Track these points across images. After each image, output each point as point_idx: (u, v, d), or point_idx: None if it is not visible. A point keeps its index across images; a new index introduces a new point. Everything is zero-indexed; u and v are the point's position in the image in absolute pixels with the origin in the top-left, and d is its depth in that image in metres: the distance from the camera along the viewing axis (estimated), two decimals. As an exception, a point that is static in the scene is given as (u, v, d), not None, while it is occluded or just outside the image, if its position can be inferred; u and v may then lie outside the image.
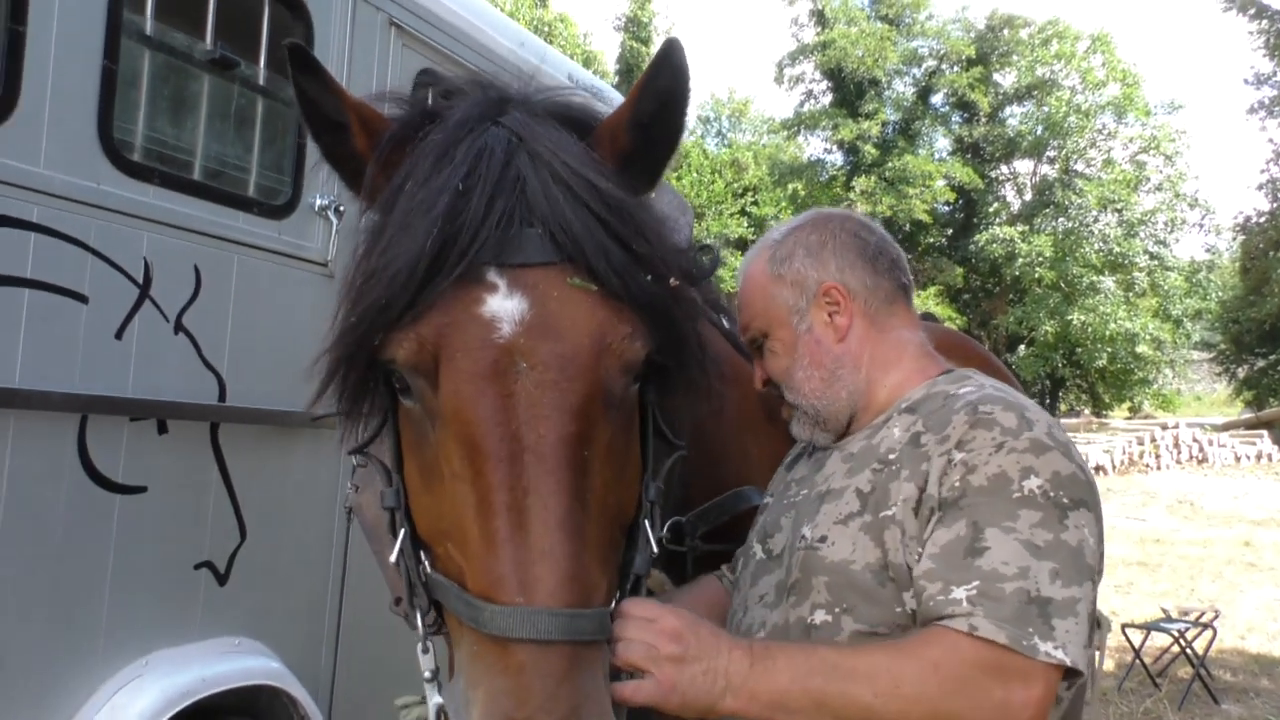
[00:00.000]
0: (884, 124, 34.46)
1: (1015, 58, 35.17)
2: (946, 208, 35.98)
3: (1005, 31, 35.21)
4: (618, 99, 4.72)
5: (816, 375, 1.55)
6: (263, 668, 2.75)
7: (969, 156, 35.21)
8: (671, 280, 1.26)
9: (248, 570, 2.77)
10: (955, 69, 34.88)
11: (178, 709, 2.45)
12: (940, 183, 33.34)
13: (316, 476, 2.95)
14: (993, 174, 36.17)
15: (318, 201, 2.94)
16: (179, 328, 2.57)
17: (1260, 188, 31.50)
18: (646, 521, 1.27)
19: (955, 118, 36.17)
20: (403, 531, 1.25)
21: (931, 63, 35.77)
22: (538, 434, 1.13)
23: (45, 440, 2.27)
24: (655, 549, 1.26)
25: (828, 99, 35.75)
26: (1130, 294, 32.19)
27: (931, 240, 35.41)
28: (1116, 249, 31.97)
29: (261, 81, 2.89)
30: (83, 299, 2.33)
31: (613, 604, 1.18)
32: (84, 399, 2.32)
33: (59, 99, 2.26)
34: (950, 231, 36.31)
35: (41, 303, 2.25)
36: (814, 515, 1.47)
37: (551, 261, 1.19)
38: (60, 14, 2.25)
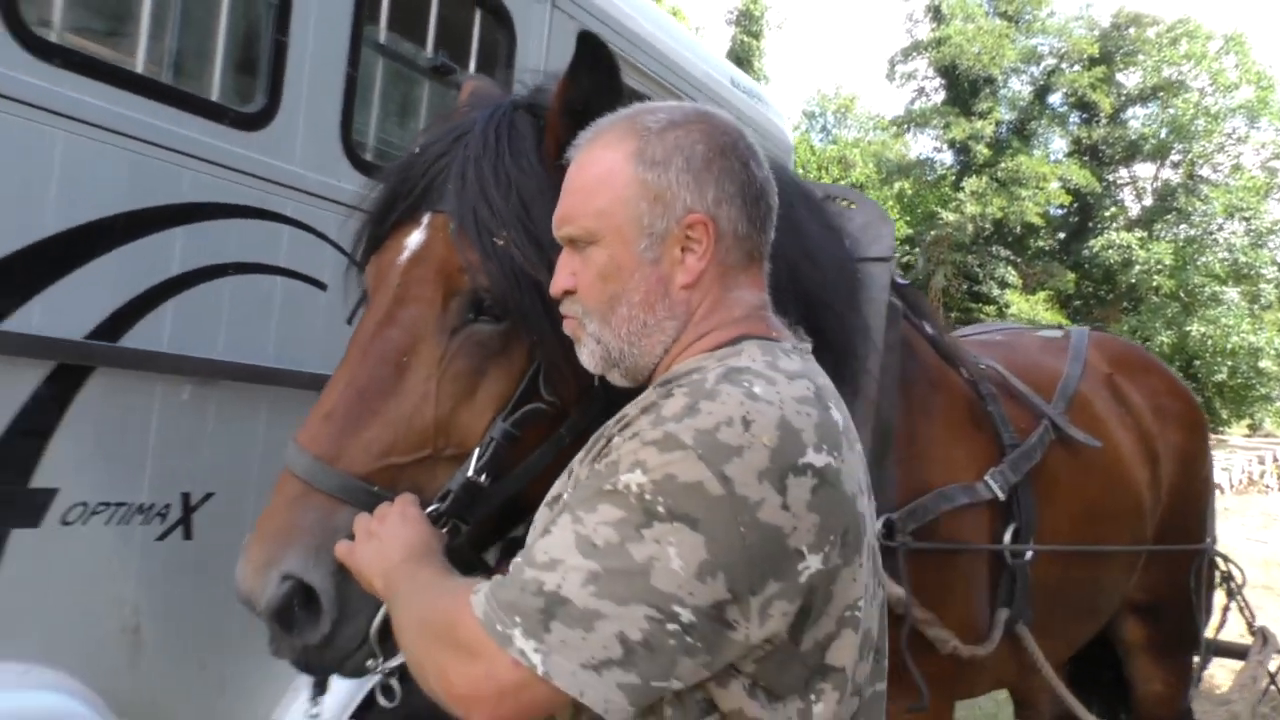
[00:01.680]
0: (998, 123, 33.60)
1: (1141, 57, 33.83)
2: (1060, 210, 34.94)
3: (1131, 30, 33.90)
4: (771, 102, 4.81)
5: (640, 318, 1.26)
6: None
7: (1086, 159, 34.07)
8: (501, 239, 1.50)
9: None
10: (1076, 68, 33.76)
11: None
12: (1055, 185, 32.37)
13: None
14: (1111, 177, 34.93)
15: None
16: (397, 315, 2.77)
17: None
18: (478, 449, 1.49)
19: (1073, 118, 35.03)
20: None
21: (1051, 61, 34.69)
22: (370, 329, 1.54)
23: (294, 418, 2.49)
24: (471, 474, 1.47)
25: (940, 96, 35.04)
26: (1255, 306, 30.77)
27: (1042, 244, 34.45)
28: (1242, 259, 30.57)
29: (471, 86, 3.09)
30: (322, 286, 2.55)
31: (399, 493, 1.45)
32: (324, 379, 2.54)
33: (311, 104, 2.47)
34: (1062, 235, 35.25)
35: (291, 289, 2.47)
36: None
37: (446, 210, 1.55)
38: (315, 26, 2.46)
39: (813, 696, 1.13)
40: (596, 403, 1.53)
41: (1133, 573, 2.93)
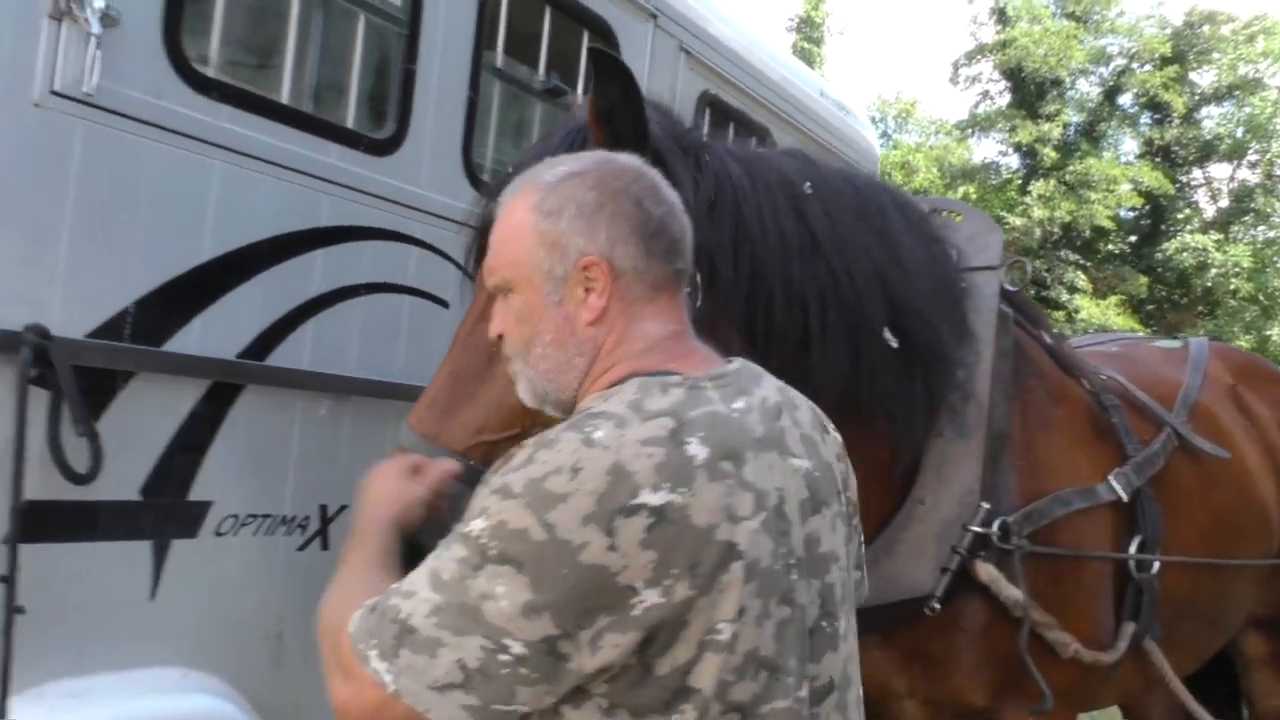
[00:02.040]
0: (1065, 125, 32.89)
1: (1215, 55, 32.90)
2: (1131, 213, 34.09)
3: (1205, 28, 32.98)
4: (860, 114, 4.82)
5: (553, 356, 1.37)
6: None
7: (1158, 160, 33.18)
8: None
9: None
10: (1147, 68, 32.91)
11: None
12: (1125, 187, 31.59)
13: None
14: (1185, 179, 33.99)
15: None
16: (512, 331, 2.85)
17: None
18: None
19: (1145, 119, 34.17)
20: None
21: (1121, 61, 33.88)
22: (467, 325, 1.75)
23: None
24: None
25: (1005, 99, 34.46)
26: (1338, 310, 29.69)
27: (1112, 247, 33.62)
28: (1325, 261, 29.54)
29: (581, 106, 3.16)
30: (445, 305, 2.63)
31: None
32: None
33: (437, 129, 2.56)
34: (1134, 239, 34.39)
35: (418, 308, 2.56)
36: None
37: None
38: (441, 54, 2.55)
39: (676, 716, 1.21)
40: None
41: (1259, 587, 2.88)
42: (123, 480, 1.97)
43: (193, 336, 2.07)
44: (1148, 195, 32.24)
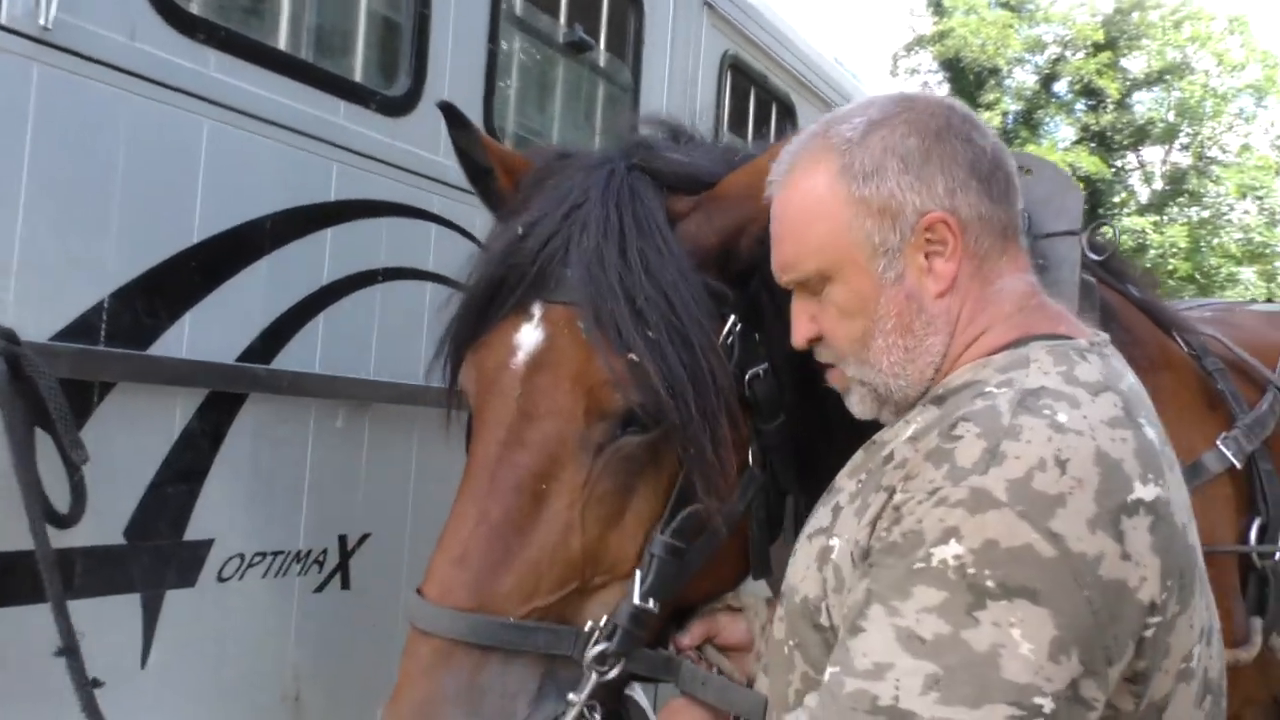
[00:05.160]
0: (1005, 114, 33.43)
1: (1145, 41, 33.73)
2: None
3: (1135, 15, 33.80)
4: (867, 83, 4.53)
5: (900, 345, 1.13)
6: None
7: (1095, 145, 33.89)
8: (649, 340, 1.25)
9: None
10: (1081, 55, 33.64)
11: None
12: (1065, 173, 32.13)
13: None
14: (1120, 163, 34.76)
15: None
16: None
17: None
18: (639, 573, 1.27)
19: (1080, 105, 34.86)
20: None
21: (1055, 49, 34.56)
22: (493, 451, 1.28)
23: (430, 443, 2.20)
24: (637, 600, 1.26)
25: (944, 90, 34.84)
26: (1272, 285, 30.60)
27: (1052, 233, 34.22)
28: (1257, 238, 30.46)
29: (602, 63, 2.80)
30: (471, 293, 2.25)
31: (555, 626, 1.24)
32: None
33: (455, 85, 2.18)
34: (1073, 224, 35.03)
35: (439, 297, 2.18)
36: (812, 515, 1.24)
37: (570, 302, 1.29)
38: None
39: None
40: (753, 484, 1.41)
41: None
42: (104, 520, 1.56)
43: (183, 337, 1.67)
44: (1086, 180, 32.83)
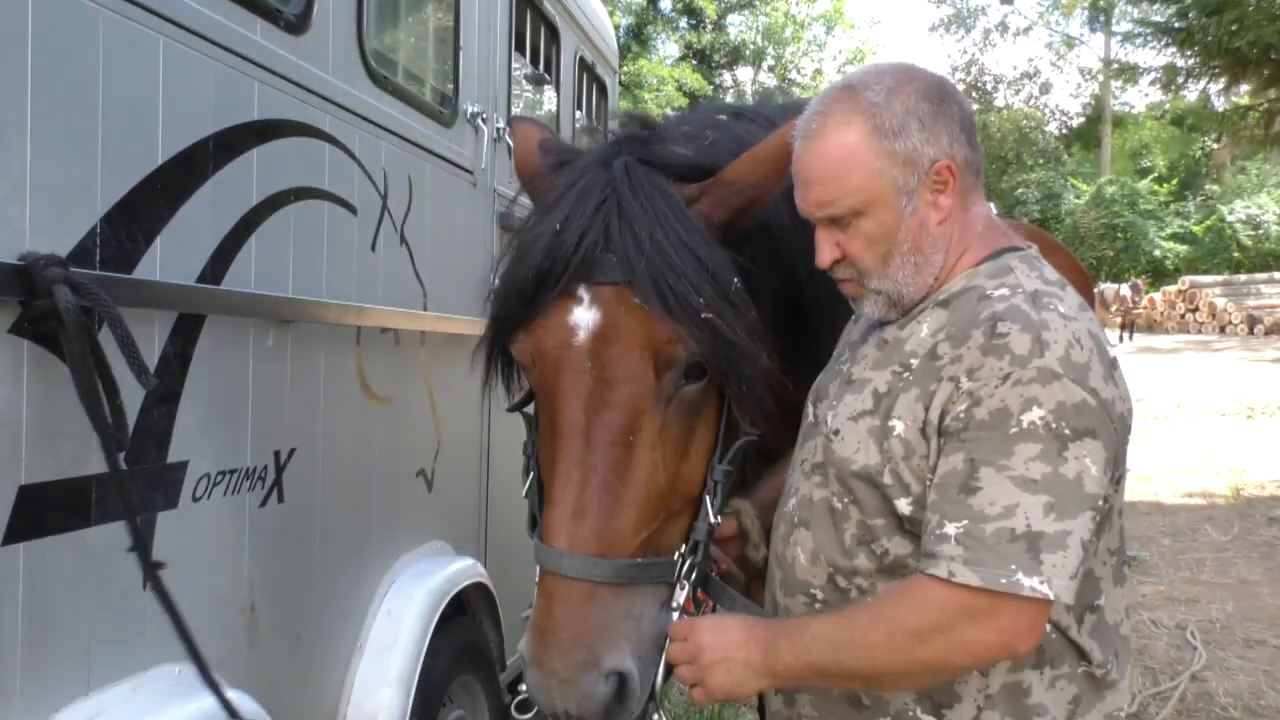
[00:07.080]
0: (617, 27, 34.74)
1: (736, -35, 36.41)
2: (677, 112, 37.12)
3: (728, -61, 36.29)
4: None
5: (912, 261, 1.46)
6: (473, 568, 2.87)
7: (697, 63, 36.41)
8: (700, 305, 1.52)
9: (441, 476, 2.86)
10: (682, -27, 35.59)
11: (439, 611, 2.56)
12: (671, 87, 34.29)
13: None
14: (718, 81, 37.69)
15: (469, 108, 2.96)
16: (402, 239, 2.58)
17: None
18: (708, 497, 1.61)
19: (683, 24, 37.13)
20: (531, 474, 1.68)
21: (661, -33, 36.25)
22: (580, 415, 1.52)
23: (336, 358, 2.27)
24: (714, 519, 1.61)
25: None
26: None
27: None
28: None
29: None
30: (354, 210, 2.31)
31: (663, 558, 1.56)
32: (357, 310, 2.32)
33: (337, 11, 2.20)
34: (679, 137, 37.48)
35: (335, 217, 2.22)
36: (837, 402, 1.54)
37: (620, 282, 1.53)
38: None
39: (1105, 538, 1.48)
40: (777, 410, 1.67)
41: None
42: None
43: (155, 260, 1.65)
44: (691, 95, 35.30)
